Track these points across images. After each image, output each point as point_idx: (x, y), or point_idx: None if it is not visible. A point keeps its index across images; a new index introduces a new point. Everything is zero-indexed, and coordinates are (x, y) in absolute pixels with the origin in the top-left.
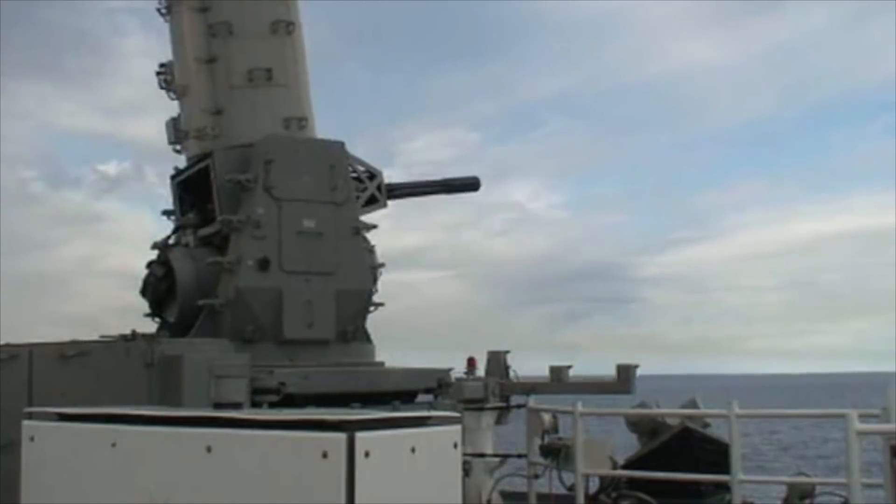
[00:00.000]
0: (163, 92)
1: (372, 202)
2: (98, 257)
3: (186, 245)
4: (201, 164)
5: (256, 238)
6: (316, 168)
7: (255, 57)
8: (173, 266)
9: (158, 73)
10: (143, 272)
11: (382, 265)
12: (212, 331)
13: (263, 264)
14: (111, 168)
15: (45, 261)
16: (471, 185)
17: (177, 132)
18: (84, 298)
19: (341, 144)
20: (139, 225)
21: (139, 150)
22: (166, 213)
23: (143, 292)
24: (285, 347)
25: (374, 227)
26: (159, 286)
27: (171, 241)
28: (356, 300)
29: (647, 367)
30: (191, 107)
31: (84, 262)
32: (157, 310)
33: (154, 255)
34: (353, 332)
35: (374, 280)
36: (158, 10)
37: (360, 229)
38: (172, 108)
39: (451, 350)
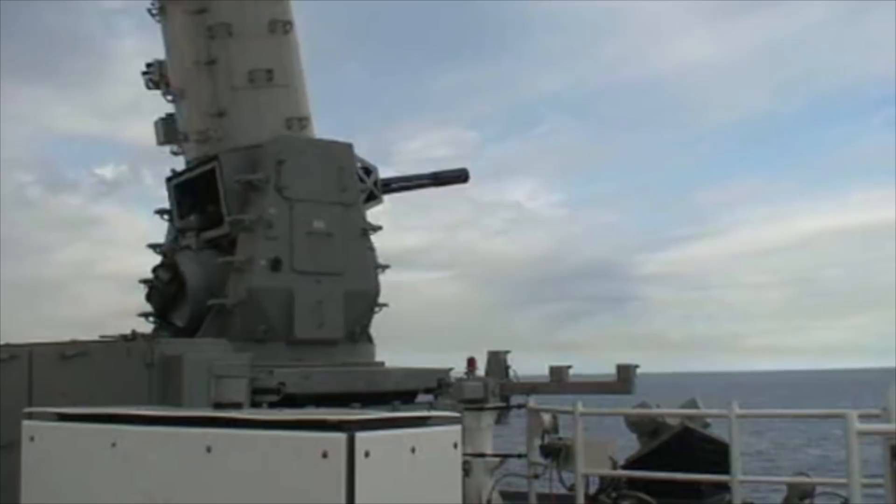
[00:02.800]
0: (159, 94)
1: (370, 199)
2: (96, 261)
3: (188, 248)
4: (206, 167)
5: (268, 238)
6: (326, 169)
7: (256, 57)
8: (182, 270)
9: (144, 73)
10: (141, 275)
11: (388, 266)
12: (220, 331)
13: (275, 264)
14: (108, 171)
15: (43, 265)
16: (459, 177)
17: (167, 132)
18: (83, 302)
19: (350, 146)
20: (137, 228)
21: (136, 153)
22: (160, 212)
23: (149, 297)
24: (295, 348)
25: (380, 227)
26: (166, 291)
27: (172, 246)
28: (363, 301)
29: (647, 365)
30: (190, 109)
31: (82, 266)
32: (163, 315)
33: (146, 258)
34: (359, 332)
35: None
36: (149, 10)
37: (367, 230)
38: (168, 109)
39: (451, 351)
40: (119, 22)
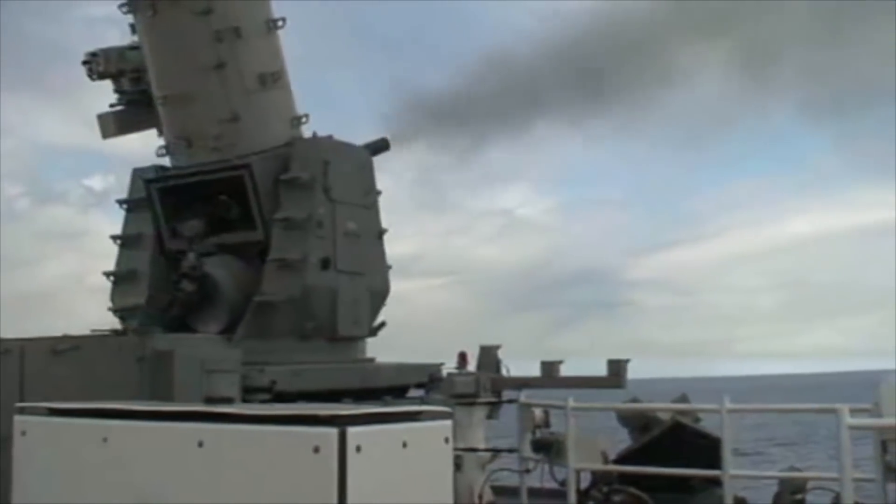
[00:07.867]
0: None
1: None
2: (86, 273)
3: (191, 251)
4: (229, 173)
5: (318, 237)
6: (355, 171)
7: (262, 59)
8: (217, 280)
9: (85, 63)
10: None
11: (390, 267)
12: (262, 329)
13: (325, 264)
14: (96, 182)
15: (32, 278)
16: (383, 146)
17: (119, 125)
18: (73, 315)
19: (368, 150)
20: None
21: (124, 164)
22: (121, 202)
23: (166, 309)
24: (334, 344)
25: (386, 230)
26: (190, 300)
27: (198, 259)
28: (380, 299)
29: (638, 370)
30: (193, 114)
31: (72, 278)
32: (184, 323)
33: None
34: (374, 329)
35: None
36: (120, 7)
37: (381, 232)
38: (111, 100)
39: (443, 358)
40: (103, 30)
